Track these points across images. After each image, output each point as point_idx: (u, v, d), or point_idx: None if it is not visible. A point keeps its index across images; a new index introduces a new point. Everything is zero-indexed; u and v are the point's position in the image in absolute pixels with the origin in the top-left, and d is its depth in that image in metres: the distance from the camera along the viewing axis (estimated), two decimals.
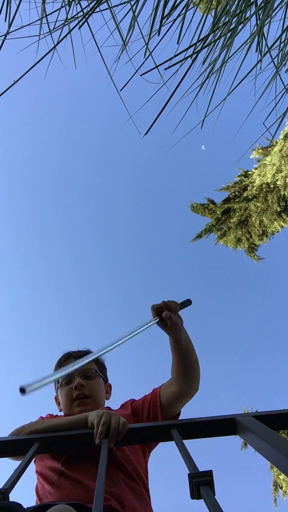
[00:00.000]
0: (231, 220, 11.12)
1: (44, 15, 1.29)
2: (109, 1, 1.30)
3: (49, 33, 1.32)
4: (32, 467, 1.26)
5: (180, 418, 1.44)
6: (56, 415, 1.48)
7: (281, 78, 1.53)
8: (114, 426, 0.98)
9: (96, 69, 1.47)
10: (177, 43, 1.35)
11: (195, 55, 1.38)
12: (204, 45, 1.40)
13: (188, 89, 1.41)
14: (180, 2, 1.34)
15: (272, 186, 10.30)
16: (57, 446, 1.07)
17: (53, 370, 1.64)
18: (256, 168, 10.74)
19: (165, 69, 1.32)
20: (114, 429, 0.98)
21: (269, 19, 1.38)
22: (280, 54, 1.49)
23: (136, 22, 1.36)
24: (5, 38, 1.25)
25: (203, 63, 1.43)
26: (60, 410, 1.52)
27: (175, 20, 1.37)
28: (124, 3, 1.34)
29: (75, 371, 1.33)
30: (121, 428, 0.99)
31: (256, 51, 1.47)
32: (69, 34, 1.31)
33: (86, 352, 1.58)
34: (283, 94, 1.54)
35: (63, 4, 1.31)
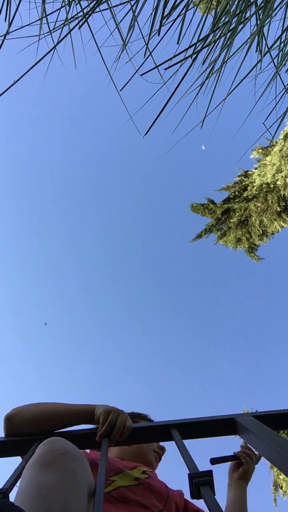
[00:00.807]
0: (231, 220, 11.12)
1: (44, 15, 1.29)
2: (109, 1, 1.30)
3: (49, 33, 1.32)
4: None
5: (180, 417, 1.44)
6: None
7: (281, 78, 1.53)
8: (119, 427, 0.98)
9: (96, 69, 1.47)
10: (177, 43, 1.35)
11: (195, 55, 1.37)
12: (204, 45, 1.40)
13: (188, 89, 1.40)
14: (180, 2, 1.34)
15: (272, 186, 10.30)
16: None
17: None
18: (256, 168, 10.74)
19: (165, 69, 1.31)
20: (118, 429, 0.98)
21: (269, 19, 1.38)
22: (280, 54, 1.49)
23: (136, 22, 1.36)
24: (5, 38, 1.25)
25: (203, 63, 1.43)
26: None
27: (175, 20, 1.37)
28: (124, 3, 1.34)
29: None
30: (124, 430, 0.99)
31: (256, 51, 1.47)
32: (69, 34, 1.31)
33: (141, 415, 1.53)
34: (283, 94, 1.54)
35: (63, 4, 1.31)
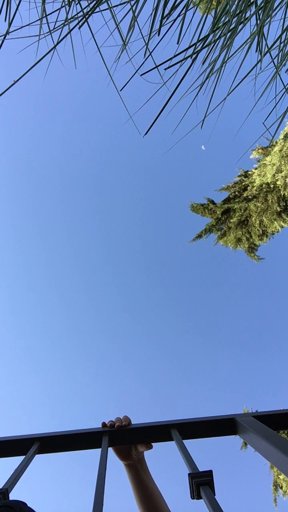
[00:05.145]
0: (231, 220, 11.13)
1: (44, 15, 1.29)
2: (109, 1, 1.30)
3: (49, 33, 1.32)
4: (32, 466, 1.26)
5: (180, 417, 1.44)
6: None
7: (281, 78, 1.53)
8: (117, 418, 1.14)
9: (96, 69, 1.47)
10: (177, 43, 1.35)
11: (195, 55, 1.37)
12: (204, 45, 1.40)
13: (188, 89, 1.41)
14: (180, 2, 1.34)
15: (272, 186, 10.30)
16: (57, 446, 1.07)
17: None
18: (256, 168, 10.74)
19: (165, 69, 1.31)
20: (117, 420, 1.14)
21: (269, 19, 1.38)
22: (280, 54, 1.49)
23: (136, 22, 1.36)
24: (5, 38, 1.25)
25: (203, 63, 1.43)
26: None
27: (175, 20, 1.37)
28: (124, 3, 1.34)
29: None
30: (123, 417, 1.13)
31: (256, 51, 1.47)
32: (69, 34, 1.30)
33: None
34: (283, 94, 1.54)
35: (63, 4, 1.31)
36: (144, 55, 1.35)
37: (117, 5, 1.34)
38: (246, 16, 1.38)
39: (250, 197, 10.89)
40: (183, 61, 1.34)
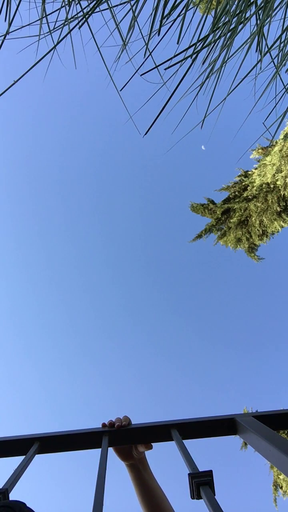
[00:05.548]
0: (231, 220, 11.12)
1: (44, 15, 1.29)
2: (109, 1, 1.30)
3: (49, 33, 1.32)
4: (32, 466, 1.26)
5: (180, 417, 1.44)
6: None
7: (281, 78, 1.53)
8: (117, 418, 1.14)
9: (96, 69, 1.47)
10: (177, 43, 1.35)
11: (195, 55, 1.37)
12: (204, 45, 1.40)
13: (188, 89, 1.41)
14: (180, 2, 1.34)
15: (272, 186, 10.30)
16: (57, 446, 1.07)
17: None
18: (256, 168, 10.74)
19: (165, 69, 1.31)
20: (118, 419, 1.14)
21: (269, 19, 1.38)
22: (280, 54, 1.49)
23: (136, 22, 1.36)
24: (5, 38, 1.25)
25: (203, 63, 1.43)
26: None
27: (175, 20, 1.37)
28: (124, 3, 1.34)
29: None
30: (123, 418, 1.13)
31: (256, 51, 1.47)
32: (69, 34, 1.30)
33: None
34: (283, 94, 1.54)
35: (63, 4, 1.31)
36: (144, 55, 1.35)
37: (117, 5, 1.34)
38: (246, 16, 1.38)
39: (250, 197, 10.89)
40: (183, 61, 1.34)
